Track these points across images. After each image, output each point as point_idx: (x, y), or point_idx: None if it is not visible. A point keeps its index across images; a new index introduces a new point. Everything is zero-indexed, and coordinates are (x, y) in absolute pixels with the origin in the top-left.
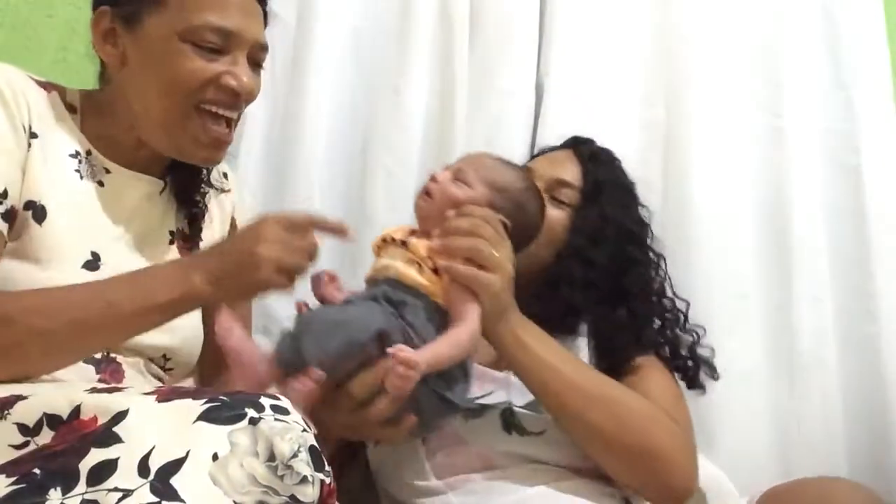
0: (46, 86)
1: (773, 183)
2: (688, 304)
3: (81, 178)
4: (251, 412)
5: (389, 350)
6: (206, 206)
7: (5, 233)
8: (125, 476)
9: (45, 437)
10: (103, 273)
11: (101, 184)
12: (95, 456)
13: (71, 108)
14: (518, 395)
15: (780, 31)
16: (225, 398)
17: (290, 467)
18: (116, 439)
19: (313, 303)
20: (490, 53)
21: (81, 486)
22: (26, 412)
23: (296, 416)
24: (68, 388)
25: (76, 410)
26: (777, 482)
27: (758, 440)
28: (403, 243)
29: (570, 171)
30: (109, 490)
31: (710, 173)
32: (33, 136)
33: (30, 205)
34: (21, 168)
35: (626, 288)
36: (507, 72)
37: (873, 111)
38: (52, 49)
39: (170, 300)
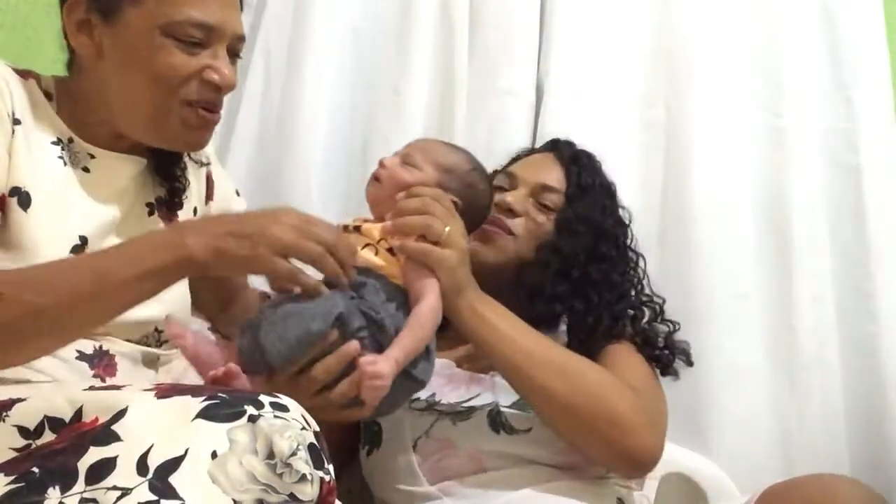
0: (24, 73)
1: (773, 183)
2: (663, 301)
3: (65, 164)
4: (250, 409)
5: (359, 360)
6: (186, 179)
7: None
8: (124, 474)
9: (47, 440)
10: None
11: (86, 170)
12: (94, 454)
13: (47, 95)
14: (504, 396)
15: (780, 31)
16: (224, 395)
17: (289, 465)
18: (115, 438)
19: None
20: (490, 53)
21: (80, 485)
22: (26, 414)
23: (295, 414)
24: (67, 388)
25: (78, 413)
26: (778, 482)
27: (758, 440)
28: (357, 228)
29: (554, 175)
30: (108, 489)
31: (710, 173)
32: (16, 122)
33: (15, 191)
34: (7, 155)
35: (592, 278)
36: (508, 72)
37: (873, 111)
38: (52, 49)
39: (163, 265)
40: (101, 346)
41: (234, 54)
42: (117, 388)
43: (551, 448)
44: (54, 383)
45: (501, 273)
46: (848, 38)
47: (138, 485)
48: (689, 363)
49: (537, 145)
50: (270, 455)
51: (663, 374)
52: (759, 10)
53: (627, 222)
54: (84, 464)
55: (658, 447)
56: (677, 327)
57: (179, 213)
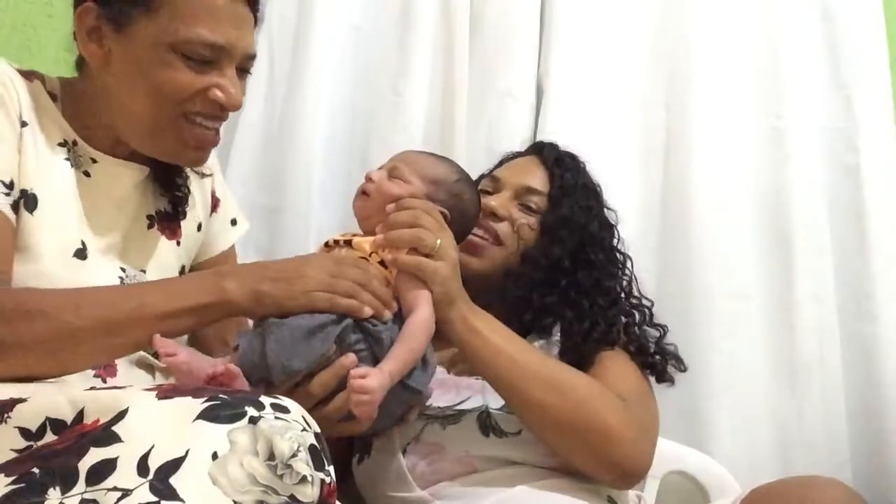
0: (28, 74)
1: (773, 183)
2: (652, 303)
3: (71, 166)
4: (251, 411)
5: (350, 372)
6: (188, 189)
7: (14, 223)
8: (124, 475)
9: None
10: (91, 262)
11: (87, 174)
12: (95, 455)
13: (52, 97)
14: (493, 399)
15: (780, 31)
16: (225, 396)
17: (289, 467)
18: (116, 438)
19: None
20: (490, 54)
21: (80, 486)
22: (28, 416)
23: (296, 415)
24: (68, 389)
25: (80, 415)
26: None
27: (758, 440)
28: (348, 243)
29: (538, 177)
30: (108, 489)
31: (710, 173)
32: (24, 124)
33: (22, 193)
34: (17, 154)
35: (581, 285)
36: (508, 73)
37: (873, 111)
38: (52, 49)
39: (202, 304)
40: None
41: (242, 70)
42: (119, 388)
43: (541, 449)
44: (56, 384)
45: (489, 282)
46: (848, 38)
47: (139, 486)
48: (682, 368)
49: None
50: (271, 456)
51: (659, 380)
52: (759, 10)
53: (614, 223)
54: (85, 464)
55: (647, 459)
56: (667, 331)
57: (182, 223)
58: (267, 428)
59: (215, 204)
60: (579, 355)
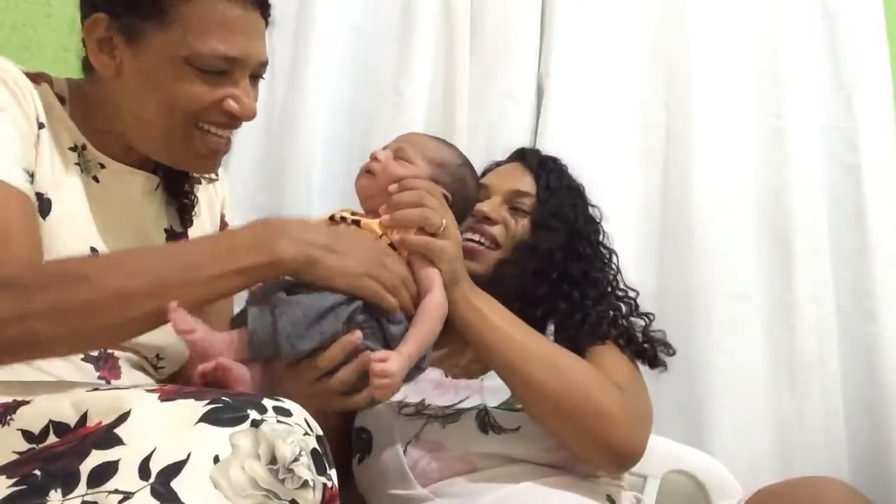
0: (35, 77)
1: (773, 183)
2: (637, 294)
3: (81, 171)
4: (253, 414)
5: (371, 356)
6: (196, 197)
7: (36, 208)
8: (126, 478)
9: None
10: None
11: (96, 179)
12: (96, 457)
13: (61, 100)
14: (492, 397)
15: (780, 31)
16: (227, 399)
17: (291, 471)
18: (117, 441)
19: None
20: (490, 55)
21: (82, 488)
22: (31, 418)
23: (298, 419)
24: (70, 391)
25: (83, 418)
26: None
27: (758, 440)
28: (356, 223)
29: (524, 181)
30: (110, 492)
31: (710, 173)
32: (41, 126)
33: (38, 197)
34: (35, 152)
35: (573, 276)
36: (508, 73)
37: (873, 111)
38: (52, 49)
39: (254, 265)
40: (105, 350)
41: (255, 77)
42: (122, 389)
43: (540, 446)
44: (60, 387)
45: (487, 285)
46: (848, 38)
47: (140, 489)
48: (671, 353)
49: (538, 146)
50: (273, 460)
51: (651, 366)
52: (759, 10)
53: (598, 220)
54: (86, 467)
55: (642, 443)
56: (652, 318)
57: (190, 231)
58: (269, 431)
59: (223, 228)
60: (572, 349)
